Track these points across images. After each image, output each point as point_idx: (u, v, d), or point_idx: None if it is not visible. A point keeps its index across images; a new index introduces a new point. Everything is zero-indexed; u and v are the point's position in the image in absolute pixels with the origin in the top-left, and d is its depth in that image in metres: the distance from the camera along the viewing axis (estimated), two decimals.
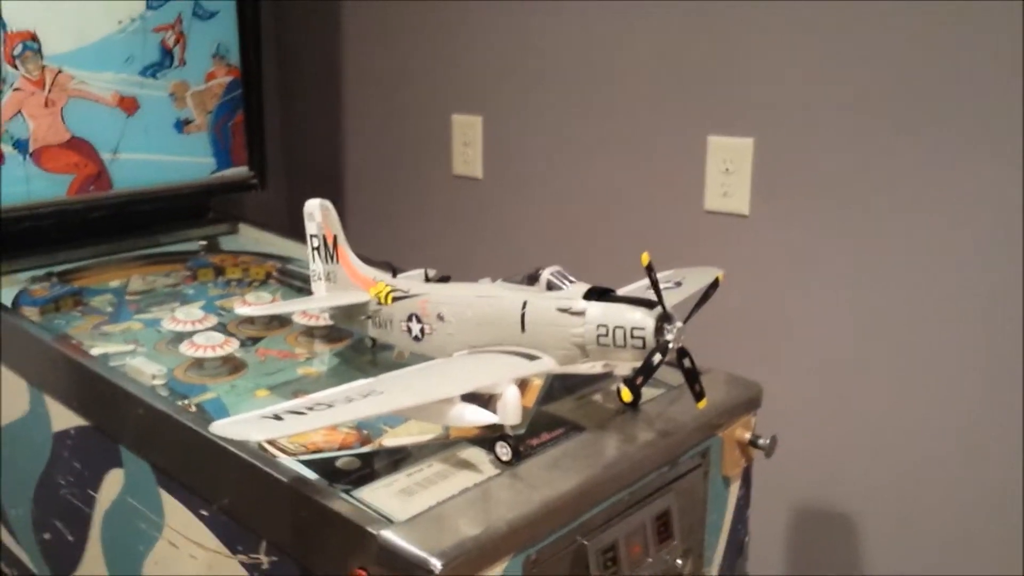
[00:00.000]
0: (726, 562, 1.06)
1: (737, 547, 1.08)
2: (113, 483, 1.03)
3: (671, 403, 0.98)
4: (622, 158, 1.52)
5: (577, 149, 1.58)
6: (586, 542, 0.82)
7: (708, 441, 0.98)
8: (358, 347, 1.18)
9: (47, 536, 1.18)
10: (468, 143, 1.74)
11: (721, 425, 0.99)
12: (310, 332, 1.21)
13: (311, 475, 0.83)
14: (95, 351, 1.14)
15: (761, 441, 1.01)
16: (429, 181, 1.84)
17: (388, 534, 0.71)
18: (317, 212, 1.10)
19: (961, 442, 1.24)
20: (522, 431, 0.88)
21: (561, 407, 0.99)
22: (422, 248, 1.88)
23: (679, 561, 0.93)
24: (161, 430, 0.94)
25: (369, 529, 0.72)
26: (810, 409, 1.35)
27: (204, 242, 1.62)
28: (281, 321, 1.24)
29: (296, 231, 1.61)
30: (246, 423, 0.72)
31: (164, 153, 1.59)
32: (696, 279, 1.07)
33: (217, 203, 1.75)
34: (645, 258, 0.80)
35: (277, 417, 0.72)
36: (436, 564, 0.69)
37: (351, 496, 0.80)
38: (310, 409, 0.74)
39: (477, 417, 0.80)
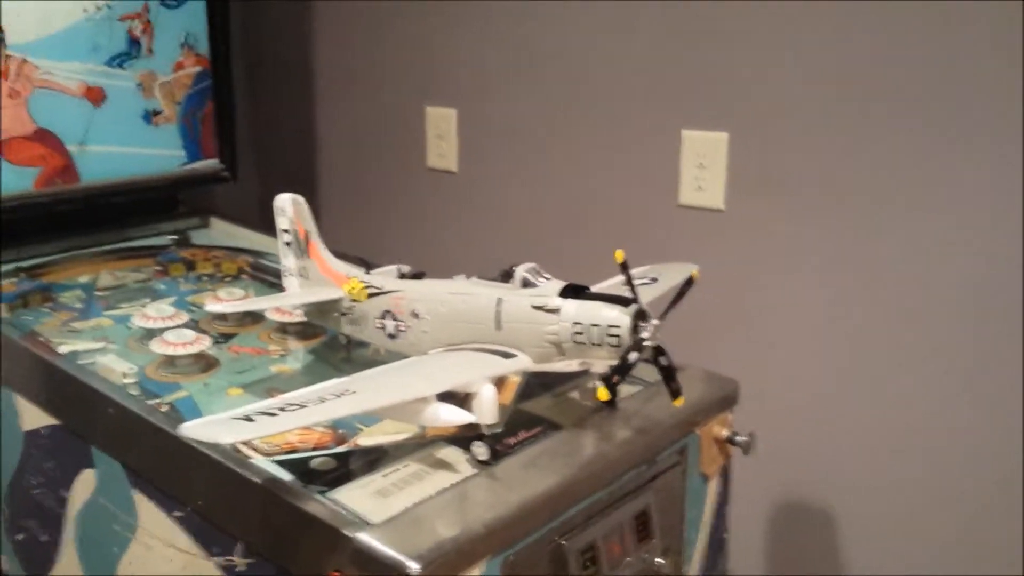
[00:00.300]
0: (707, 560, 1.06)
1: (717, 545, 1.08)
2: (85, 484, 1.01)
3: (648, 400, 0.97)
4: (597, 151, 1.51)
5: (552, 142, 1.57)
6: (564, 542, 0.82)
7: (685, 439, 0.98)
8: (332, 344, 1.17)
9: (21, 537, 1.16)
10: (442, 136, 1.73)
11: (698, 422, 0.99)
12: (284, 329, 1.20)
13: (286, 476, 0.82)
14: (64, 349, 1.13)
15: (739, 438, 1.01)
16: (403, 174, 1.82)
17: (364, 536, 0.71)
18: (289, 207, 1.09)
19: (943, 436, 1.25)
20: (499, 429, 0.88)
21: (538, 405, 0.99)
22: (396, 242, 1.86)
23: (659, 560, 0.93)
24: (132, 430, 0.92)
25: (345, 531, 0.72)
26: (788, 405, 1.36)
27: (175, 236, 1.59)
28: (254, 317, 1.23)
29: (268, 224, 1.58)
30: (216, 425, 0.71)
31: (132, 145, 1.56)
32: (671, 275, 1.07)
33: (187, 196, 1.72)
34: (620, 255, 0.79)
35: (248, 418, 0.71)
36: (413, 567, 0.68)
37: (326, 497, 0.79)
38: (282, 410, 0.73)
39: (453, 416, 0.80)
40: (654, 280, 1.05)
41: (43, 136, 1.46)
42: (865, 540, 1.35)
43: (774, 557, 1.44)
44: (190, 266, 1.45)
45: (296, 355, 1.15)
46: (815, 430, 1.35)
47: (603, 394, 0.81)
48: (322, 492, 0.80)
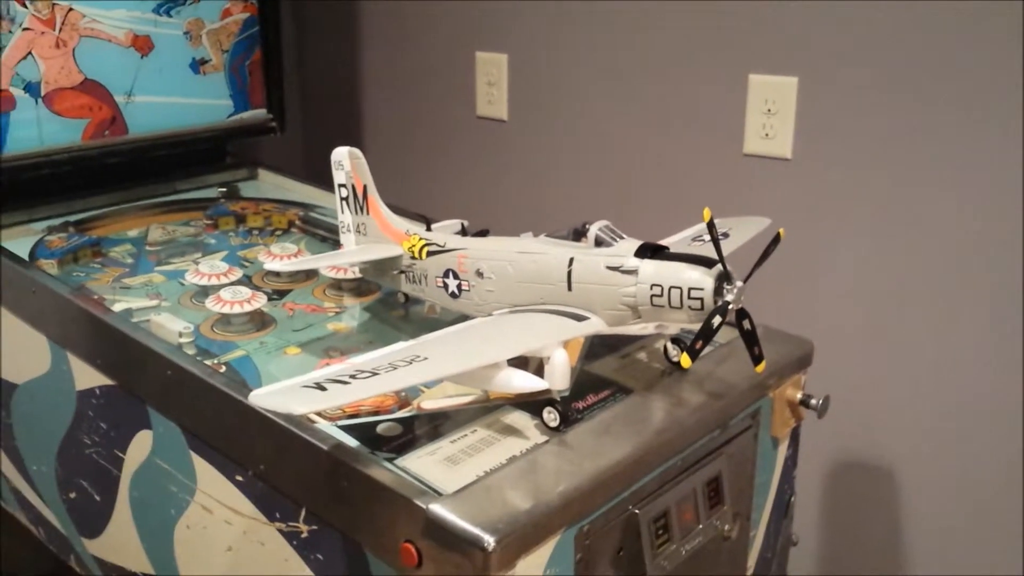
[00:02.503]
0: (771, 523, 1.03)
1: (783, 508, 1.04)
2: (141, 444, 0.99)
3: (720, 362, 0.93)
4: (656, 98, 1.46)
5: (609, 88, 1.52)
6: (638, 511, 0.79)
7: (759, 402, 0.94)
8: (387, 301, 1.14)
9: (73, 495, 1.16)
10: (493, 82, 1.68)
11: (772, 385, 0.95)
12: (338, 285, 1.17)
13: (352, 442, 0.80)
14: (118, 307, 1.11)
15: (813, 401, 0.97)
16: (452, 123, 1.78)
17: (437, 508, 0.68)
18: (346, 161, 1.05)
19: (1018, 398, 1.20)
20: (567, 393, 0.84)
21: (605, 366, 0.95)
22: (444, 193, 1.82)
23: (728, 526, 0.90)
24: (191, 393, 0.90)
25: (417, 502, 0.69)
26: (855, 364, 1.31)
27: (223, 188, 1.56)
28: (308, 273, 1.20)
29: (316, 176, 1.57)
30: (288, 393, 0.68)
31: (180, 95, 1.53)
32: (744, 230, 1.02)
33: (235, 147, 1.69)
34: (707, 214, 0.75)
35: (320, 387, 0.68)
36: (489, 540, 0.65)
37: (395, 465, 0.77)
38: (353, 377, 0.70)
39: (526, 383, 0.76)
40: (725, 235, 1.00)
41: (90, 87, 1.43)
42: (914, 496, 1.31)
43: (832, 517, 1.41)
44: (240, 219, 1.42)
45: (352, 312, 1.13)
46: (880, 387, 1.31)
47: (686, 361, 0.77)
48: (390, 459, 0.77)
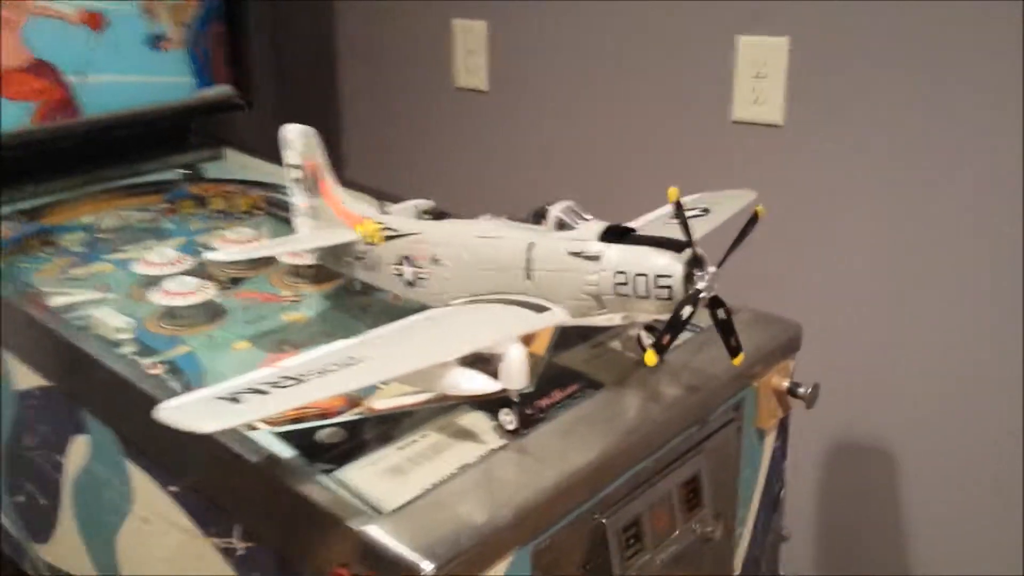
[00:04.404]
0: (760, 520, 0.96)
1: (772, 502, 0.97)
2: (79, 450, 0.93)
3: (698, 350, 0.86)
4: (641, 63, 1.38)
5: (591, 55, 1.44)
6: (605, 520, 0.72)
7: (742, 392, 0.86)
8: (349, 288, 1.07)
9: (21, 499, 1.09)
10: (472, 51, 1.60)
11: (756, 374, 0.87)
12: (296, 272, 1.10)
13: (288, 452, 0.73)
14: (62, 300, 1.04)
15: (801, 390, 0.89)
16: (428, 94, 1.70)
17: (372, 530, 0.61)
18: (297, 140, 0.98)
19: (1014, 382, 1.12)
20: (530, 389, 0.77)
21: (574, 358, 0.88)
22: (421, 169, 1.75)
23: (709, 528, 0.83)
24: (123, 397, 0.83)
25: (350, 524, 0.62)
26: (849, 345, 1.24)
27: (186, 171, 1.49)
28: (266, 259, 1.13)
29: None
30: (195, 408, 0.61)
31: (137, 73, 1.45)
32: (727, 205, 0.94)
33: (202, 126, 1.61)
34: (673, 193, 0.67)
35: (234, 399, 0.61)
36: (427, 566, 0.58)
37: (333, 477, 0.70)
38: (274, 386, 0.63)
39: (475, 385, 0.69)
40: (705, 211, 0.92)
41: (40, 68, 1.35)
42: (910, 486, 1.25)
43: (826, 509, 1.34)
44: (201, 202, 1.35)
45: (309, 301, 1.05)
46: (876, 370, 1.24)
47: (651, 358, 0.70)
48: (328, 471, 0.70)
